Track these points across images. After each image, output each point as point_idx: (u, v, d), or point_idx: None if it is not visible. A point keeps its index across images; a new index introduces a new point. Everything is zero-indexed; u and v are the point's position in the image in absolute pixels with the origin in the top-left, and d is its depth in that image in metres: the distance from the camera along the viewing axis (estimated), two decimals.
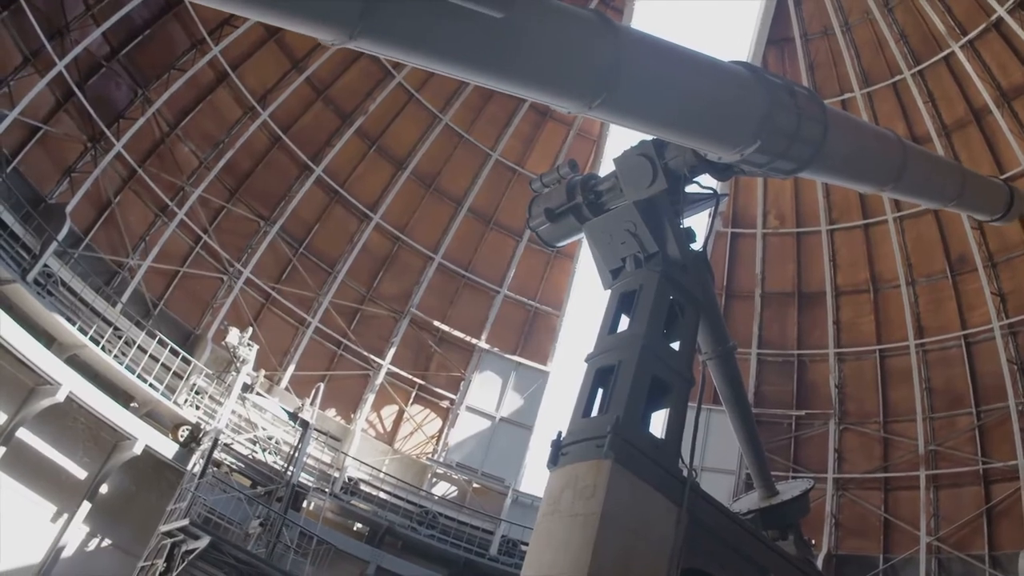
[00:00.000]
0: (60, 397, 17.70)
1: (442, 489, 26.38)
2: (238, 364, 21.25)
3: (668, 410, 7.08)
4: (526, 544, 22.87)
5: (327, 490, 23.06)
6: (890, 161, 8.90)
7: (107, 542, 19.44)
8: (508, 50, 5.94)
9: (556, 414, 30.90)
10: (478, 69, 6.22)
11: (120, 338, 20.24)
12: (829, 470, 25.11)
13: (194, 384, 21.26)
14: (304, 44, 24.03)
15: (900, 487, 24.48)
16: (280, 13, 5.32)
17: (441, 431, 27.28)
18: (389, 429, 26.89)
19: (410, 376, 27.11)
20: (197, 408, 20.94)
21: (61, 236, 19.70)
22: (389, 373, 26.72)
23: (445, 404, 27.55)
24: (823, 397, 26.20)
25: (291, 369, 25.20)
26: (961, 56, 23.18)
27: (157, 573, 16.89)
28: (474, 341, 27.99)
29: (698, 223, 8.39)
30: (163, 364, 20.73)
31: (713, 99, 7.35)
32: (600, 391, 6.89)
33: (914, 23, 24.18)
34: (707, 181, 8.37)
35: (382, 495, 24.45)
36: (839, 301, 26.58)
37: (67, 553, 18.61)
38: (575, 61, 6.26)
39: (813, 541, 10.77)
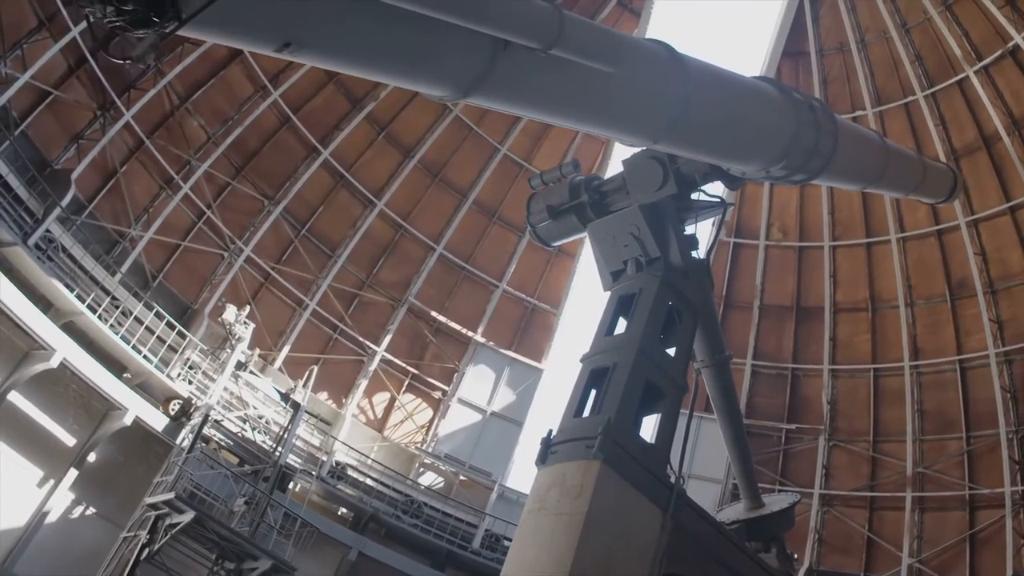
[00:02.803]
0: (54, 363, 17.69)
1: (429, 479, 26.42)
2: (233, 341, 21.23)
3: (659, 415, 7.10)
4: (509, 539, 22.92)
5: (314, 473, 23.08)
6: (878, 164, 9.28)
7: (92, 510, 19.44)
8: (606, 99, 6.35)
9: (547, 412, 30.94)
10: (576, 118, 6.82)
11: (117, 308, 20.24)
12: (816, 485, 25.15)
13: (188, 359, 21.28)
14: None
15: (885, 507, 24.52)
16: (403, 78, 5.80)
17: (431, 421, 27.29)
18: (380, 416, 26.91)
19: (404, 364, 27.12)
20: (190, 383, 20.95)
21: (65, 202, 19.69)
22: (383, 360, 26.73)
23: (437, 395, 27.57)
24: (815, 412, 26.22)
25: (286, 350, 25.21)
26: (975, 81, 23.17)
27: (140, 544, 16.88)
28: (470, 334, 28.00)
29: (699, 231, 8.38)
30: (158, 337, 20.73)
31: (754, 124, 7.70)
32: (593, 392, 6.91)
33: (930, 45, 24.16)
34: (713, 188, 8.41)
35: (369, 481, 24.48)
36: (837, 318, 26.59)
37: (51, 519, 18.62)
38: (656, 102, 6.63)
39: (796, 555, 10.79)
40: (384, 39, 5.01)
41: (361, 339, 26.52)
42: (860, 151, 9.03)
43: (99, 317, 19.30)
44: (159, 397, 20.39)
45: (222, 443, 20.94)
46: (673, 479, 6.74)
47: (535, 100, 6.24)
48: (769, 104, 7.69)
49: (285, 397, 22.36)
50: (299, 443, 23.42)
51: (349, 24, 4.76)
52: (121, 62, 4.01)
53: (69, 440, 19.06)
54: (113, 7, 3.89)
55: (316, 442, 24.51)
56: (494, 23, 5.27)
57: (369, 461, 25.07)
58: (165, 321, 21.02)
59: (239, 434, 21.33)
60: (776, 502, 10.07)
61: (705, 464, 24.53)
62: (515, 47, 5.44)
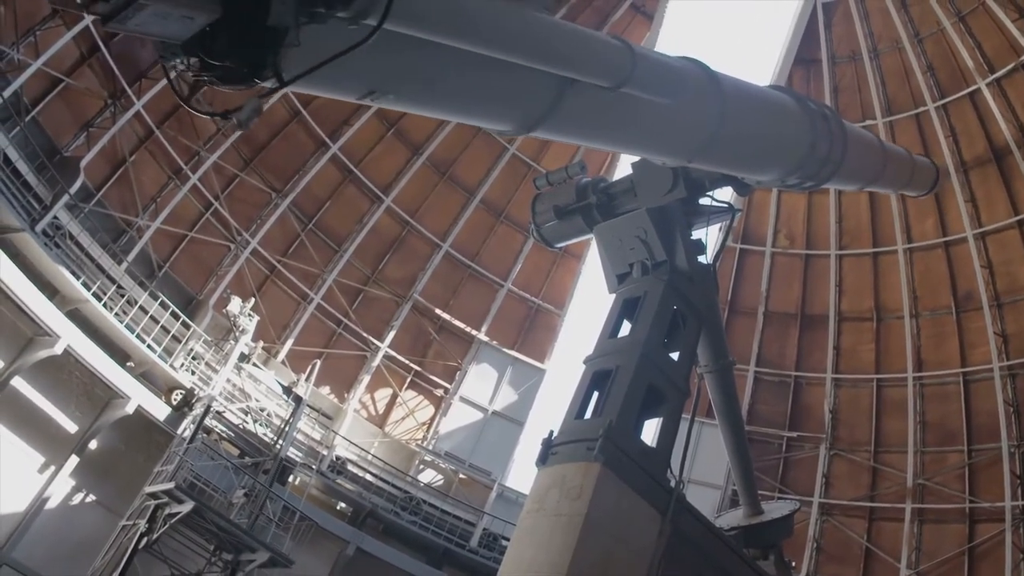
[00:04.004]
0: (58, 349, 17.73)
1: (428, 477, 26.43)
2: (237, 333, 21.25)
3: (661, 419, 7.10)
4: (507, 539, 22.93)
5: (314, 467, 23.11)
6: (877, 165, 9.48)
7: (91, 498, 19.48)
8: (657, 126, 6.65)
9: (549, 413, 30.93)
10: (625, 144, 7.17)
11: (122, 296, 20.29)
12: (816, 494, 25.11)
13: (192, 349, 21.31)
14: None
15: (885, 517, 24.47)
16: (473, 117, 6.20)
17: (433, 419, 27.31)
18: (381, 412, 26.92)
19: (407, 361, 27.13)
20: (192, 373, 20.98)
21: (73, 189, 19.72)
22: (386, 356, 26.74)
23: (439, 392, 27.58)
24: (816, 421, 26.19)
25: (289, 343, 25.23)
26: (987, 93, 23.12)
27: (138, 533, 16.90)
28: (474, 332, 28.00)
29: (706, 236, 8.41)
30: (163, 326, 20.77)
31: (777, 137, 7.87)
32: (595, 394, 6.91)
33: (943, 56, 24.11)
34: (721, 193, 8.42)
35: (368, 477, 24.49)
36: (841, 327, 26.54)
37: (51, 505, 18.65)
38: (698, 126, 6.83)
39: (794, 563, 10.77)
40: (460, 84, 5.22)
41: (365, 334, 26.54)
42: (864, 155, 9.15)
43: (104, 305, 19.35)
44: (162, 387, 20.43)
45: (223, 434, 20.96)
46: (673, 483, 6.74)
47: (593, 132, 6.56)
48: (790, 117, 7.78)
49: (287, 390, 22.38)
50: (300, 437, 23.45)
51: (430, 72, 4.94)
52: (209, 117, 4.08)
53: (71, 427, 19.10)
54: (198, 59, 3.90)
55: (317, 436, 24.54)
56: (572, 66, 5.50)
57: (369, 457, 25.09)
58: (170, 311, 21.06)
59: (240, 426, 21.35)
60: (775, 510, 10.08)
61: (705, 469, 24.51)
62: (582, 84, 5.63)
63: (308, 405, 23.12)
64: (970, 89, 23.58)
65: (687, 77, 6.63)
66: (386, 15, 3.96)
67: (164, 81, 21.53)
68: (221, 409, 20.78)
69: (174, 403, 20.21)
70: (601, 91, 5.75)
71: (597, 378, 6.98)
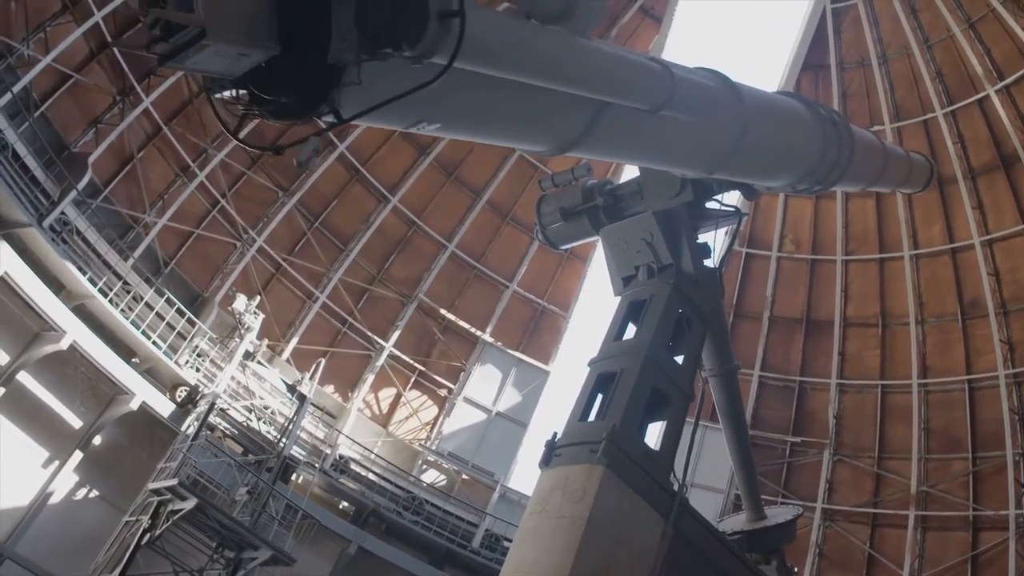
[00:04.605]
0: (63, 345, 17.77)
1: (431, 477, 26.43)
2: (242, 331, 21.28)
3: (665, 423, 7.09)
4: (509, 540, 22.92)
5: (317, 465, 23.12)
6: (879, 166, 9.61)
7: (95, 493, 19.51)
8: (686, 143, 6.80)
9: (552, 414, 30.90)
10: (653, 160, 7.27)
11: (128, 293, 20.31)
12: (819, 499, 25.07)
13: (197, 346, 21.33)
14: None
15: (887, 524, 24.41)
16: (511, 140, 6.44)
17: (436, 419, 27.31)
18: (385, 411, 26.94)
19: (411, 361, 27.13)
20: (197, 370, 21.00)
21: (81, 185, 19.76)
22: (391, 356, 26.75)
23: (443, 392, 27.57)
24: (820, 426, 26.13)
25: (294, 341, 25.25)
26: (996, 100, 23.07)
27: (141, 529, 16.93)
28: (478, 333, 28.00)
29: (711, 239, 8.44)
30: (168, 323, 20.80)
31: (791, 146, 8.02)
32: (599, 396, 6.90)
33: (952, 62, 24.06)
34: (727, 197, 8.42)
35: (371, 476, 24.50)
36: (846, 332, 26.49)
37: (55, 500, 18.69)
38: (723, 140, 6.95)
39: (796, 568, 10.75)
40: (505, 111, 5.36)
41: (369, 334, 26.55)
42: (869, 158, 9.23)
43: (110, 301, 19.38)
44: (166, 383, 20.45)
45: (227, 432, 20.99)
46: (676, 487, 6.74)
47: (624, 150, 6.74)
48: (803, 125, 7.90)
49: (292, 388, 22.41)
50: (303, 435, 23.45)
51: (479, 102, 5.06)
52: (259, 151, 4.13)
53: (76, 422, 19.14)
54: (247, 91, 3.91)
55: (320, 435, 24.55)
56: (616, 92, 5.67)
57: (372, 456, 25.09)
58: (175, 308, 21.09)
59: (244, 423, 21.38)
60: (778, 515, 10.06)
61: (708, 473, 24.45)
62: (619, 106, 5.77)
63: (312, 404, 23.14)
64: (979, 96, 23.54)
65: (717, 95, 6.74)
66: (455, 55, 3.99)
67: (172, 79, 21.73)
68: (225, 406, 20.81)
69: (178, 400, 20.22)
70: (638, 113, 5.89)
71: (601, 380, 6.98)
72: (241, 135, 4.18)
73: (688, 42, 51.67)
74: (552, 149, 5.94)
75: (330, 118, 3.93)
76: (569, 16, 5.20)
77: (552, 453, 6.62)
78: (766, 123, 7.40)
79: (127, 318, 19.61)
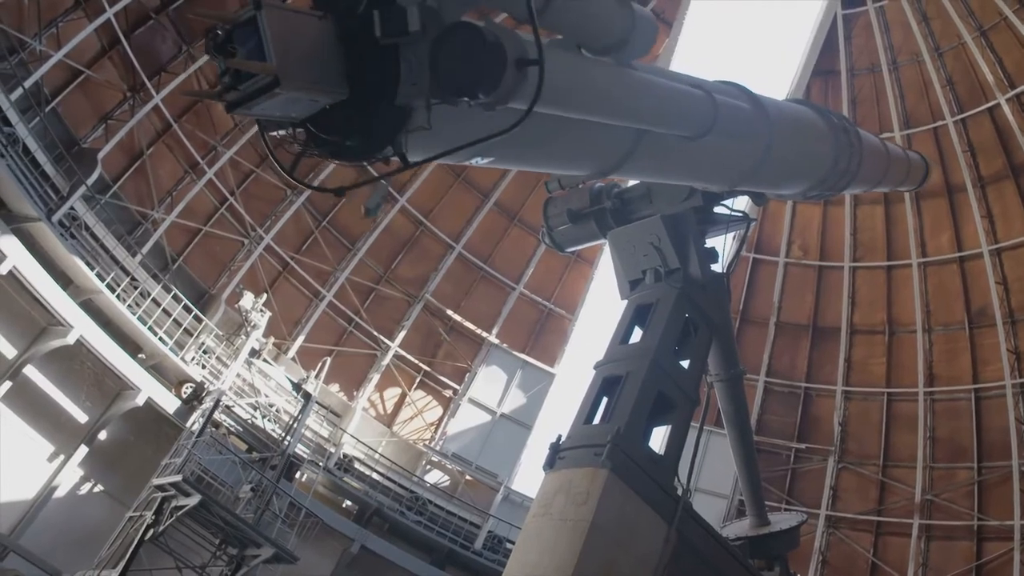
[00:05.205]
0: (70, 339, 17.83)
1: (435, 477, 26.43)
2: (248, 328, 21.30)
3: (669, 427, 7.08)
4: (512, 542, 22.91)
5: (321, 464, 23.14)
6: (882, 169, 9.69)
7: (99, 488, 19.57)
8: (719, 163, 7.04)
9: (557, 417, 30.86)
10: (685, 178, 7.45)
11: (136, 288, 20.37)
12: (823, 506, 25.00)
13: (203, 343, 21.38)
14: None
15: (891, 532, 24.34)
16: (555, 168, 6.76)
17: (441, 420, 27.31)
18: (390, 411, 26.95)
19: (416, 361, 27.14)
20: (203, 367, 21.04)
21: (90, 181, 19.83)
22: (396, 355, 26.77)
23: (448, 393, 27.57)
24: (825, 433, 26.07)
25: (300, 340, 25.28)
26: (1006, 109, 23.00)
27: (145, 525, 16.96)
28: (484, 334, 27.99)
29: (720, 244, 8.47)
30: (175, 320, 20.85)
31: (808, 156, 8.08)
32: (605, 400, 6.90)
33: (963, 70, 23.99)
34: (735, 203, 8.43)
35: (375, 476, 24.51)
36: (853, 339, 26.42)
37: (59, 494, 18.75)
38: (751, 156, 7.10)
39: (799, 575, 10.74)
40: (557, 144, 5.50)
41: (375, 333, 26.57)
42: (875, 162, 9.31)
43: (117, 297, 19.43)
44: (172, 379, 20.50)
45: (232, 429, 21.01)
46: (680, 492, 6.73)
47: (660, 171, 6.88)
48: (819, 136, 8.00)
49: (297, 387, 22.43)
50: (308, 433, 23.48)
51: (536, 138, 5.16)
52: (319, 192, 4.16)
53: (81, 417, 19.20)
54: (304, 130, 3.90)
55: (325, 433, 24.57)
56: (665, 123, 5.88)
57: (376, 455, 25.11)
58: (182, 304, 21.15)
59: (249, 421, 21.40)
60: (782, 521, 10.04)
61: (712, 478, 24.38)
62: (659, 131, 5.98)
63: (317, 402, 23.15)
64: (989, 104, 23.47)
65: (751, 117, 6.87)
66: (534, 103, 4.01)
67: (183, 76, 21.79)
68: (230, 403, 20.84)
69: (184, 396, 20.27)
70: (679, 139, 6.11)
71: (607, 384, 6.97)
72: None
73: (698, 46, 51.62)
74: (593, 174, 6.22)
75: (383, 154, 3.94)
76: (622, 47, 5.28)
77: (556, 456, 6.61)
78: (788, 137, 7.48)
79: (134, 314, 19.67)
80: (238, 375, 21.21)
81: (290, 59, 3.54)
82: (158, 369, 20.25)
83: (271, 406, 22.11)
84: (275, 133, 4.04)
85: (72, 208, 19.35)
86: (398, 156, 3.88)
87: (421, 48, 3.79)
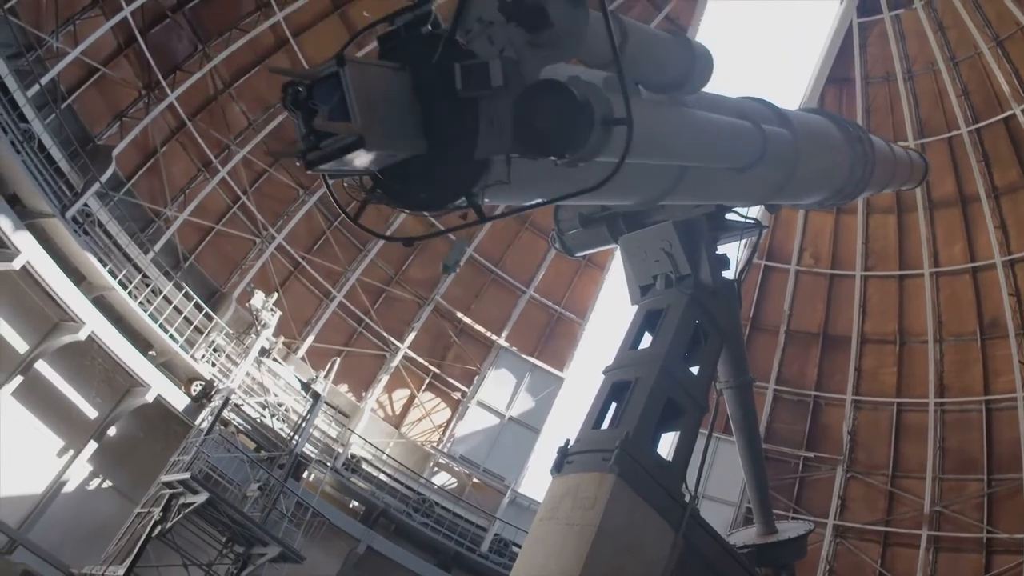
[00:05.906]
0: (82, 335, 17.92)
1: (442, 479, 26.42)
2: (259, 327, 21.36)
3: (678, 433, 7.07)
4: (518, 545, 22.89)
5: (329, 464, 23.17)
6: (890, 173, 9.76)
7: (108, 484, 19.64)
8: (755, 186, 7.18)
9: (565, 421, 30.80)
10: (723, 200, 7.62)
11: (147, 286, 20.46)
12: (831, 516, 24.87)
13: (213, 341, 21.44)
14: (366, 20, 24.06)
15: (900, 543, 24.20)
16: (607, 200, 6.82)
17: (449, 422, 27.30)
18: (398, 412, 26.96)
19: (426, 363, 27.14)
20: (213, 365, 21.10)
21: (104, 178, 19.93)
22: (405, 357, 26.78)
23: (456, 395, 27.57)
24: (834, 442, 25.94)
25: (310, 339, 25.33)
26: (1022, 119, 22.88)
27: (152, 521, 17.01)
28: (494, 337, 27.98)
29: (731, 251, 8.48)
30: (186, 317, 20.93)
31: (827, 167, 8.18)
32: (613, 405, 6.89)
33: (978, 80, 23.89)
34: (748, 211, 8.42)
35: (382, 477, 24.52)
36: (863, 348, 26.29)
37: (68, 489, 18.83)
38: (782, 175, 7.20)
39: None
40: (616, 182, 5.49)
41: (385, 334, 26.58)
42: (885, 168, 9.32)
43: (129, 294, 19.52)
44: (182, 377, 20.57)
45: (240, 427, 21.07)
46: (688, 498, 6.71)
47: (699, 197, 7.05)
48: (837, 147, 8.08)
49: (306, 386, 22.46)
50: (316, 433, 23.51)
51: (587, 177, 5.15)
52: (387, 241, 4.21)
53: (91, 412, 19.28)
54: (372, 178, 3.86)
55: (333, 433, 24.61)
56: (718, 159, 6.08)
57: (384, 456, 25.13)
58: (193, 302, 21.22)
59: (258, 420, 21.46)
60: (789, 530, 10.00)
61: (720, 486, 24.27)
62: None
63: (326, 402, 23.18)
64: (1005, 114, 23.35)
65: (789, 141, 6.96)
66: (623, 161, 4.04)
67: (198, 75, 21.87)
68: (239, 402, 20.90)
69: (193, 394, 20.34)
70: (726, 170, 6.27)
71: (616, 389, 6.96)
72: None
73: (712, 51, 51.41)
74: (639, 205, 6.39)
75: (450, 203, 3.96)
76: (681, 86, 5.31)
77: (564, 460, 6.60)
78: (812, 153, 7.56)
79: (145, 311, 19.75)
80: (247, 374, 21.27)
81: (374, 118, 3.49)
82: (168, 366, 20.32)
83: (280, 405, 22.16)
84: (344, 182, 4.03)
85: (86, 205, 19.46)
86: (473, 208, 3.85)
87: (503, 102, 3.74)
